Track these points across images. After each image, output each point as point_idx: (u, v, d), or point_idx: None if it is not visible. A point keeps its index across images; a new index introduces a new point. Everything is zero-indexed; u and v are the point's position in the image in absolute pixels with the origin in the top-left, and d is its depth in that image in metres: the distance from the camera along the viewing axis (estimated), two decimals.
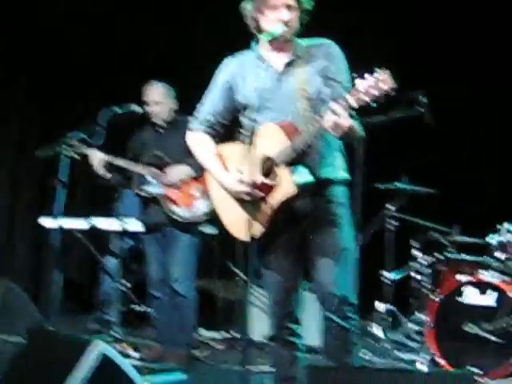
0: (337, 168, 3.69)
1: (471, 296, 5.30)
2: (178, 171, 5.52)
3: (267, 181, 3.56)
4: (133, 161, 5.66)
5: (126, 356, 5.62)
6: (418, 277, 6.04)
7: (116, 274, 6.50)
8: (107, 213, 7.06)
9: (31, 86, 7.79)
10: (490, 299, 5.22)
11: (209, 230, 5.82)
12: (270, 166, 3.56)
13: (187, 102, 4.61)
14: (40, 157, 5.27)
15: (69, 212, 5.73)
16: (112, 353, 3.43)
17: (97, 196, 7.53)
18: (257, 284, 5.00)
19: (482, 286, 5.27)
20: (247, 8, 3.67)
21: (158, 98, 5.65)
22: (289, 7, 3.58)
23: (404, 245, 6.14)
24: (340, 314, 3.60)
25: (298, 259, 3.69)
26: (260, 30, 3.66)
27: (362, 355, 5.65)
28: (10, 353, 3.76)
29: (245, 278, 6.12)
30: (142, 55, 7.68)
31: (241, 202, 3.65)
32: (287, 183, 3.52)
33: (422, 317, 5.76)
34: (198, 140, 3.88)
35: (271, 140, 3.54)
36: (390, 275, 6.13)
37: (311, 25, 3.67)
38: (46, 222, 6.41)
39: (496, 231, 5.55)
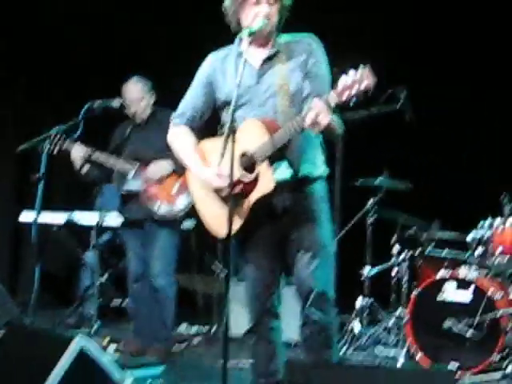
0: (317, 164, 3.70)
1: (449, 291, 5.31)
2: (159, 167, 5.50)
3: (246, 176, 3.56)
4: (114, 154, 5.64)
5: (105, 350, 5.61)
6: (398, 272, 6.06)
7: (95, 268, 6.49)
8: (87, 207, 7.04)
9: (31, 86, 7.75)
10: (468, 295, 5.25)
11: (187, 224, 5.82)
12: (250, 161, 3.56)
13: None
14: (22, 151, 5.23)
15: (48, 206, 5.70)
16: (90, 347, 3.43)
17: (77, 190, 7.50)
18: (237, 279, 4.99)
19: (461, 282, 5.30)
20: (228, 5, 3.67)
21: (138, 94, 5.62)
22: (269, 1, 3.59)
23: (384, 240, 6.16)
24: (319, 309, 3.61)
25: (278, 255, 3.70)
26: (241, 26, 3.66)
27: (341, 350, 5.68)
28: None
29: (224, 272, 6.13)
30: (142, 55, 7.66)
31: (220, 197, 3.65)
32: (266, 179, 3.52)
33: (402, 312, 5.78)
34: (177, 135, 3.87)
35: (252, 135, 3.53)
36: (369, 270, 6.15)
37: (298, 24, 3.68)
38: (25, 216, 6.39)
39: (479, 227, 5.58)
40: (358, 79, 3.25)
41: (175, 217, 5.49)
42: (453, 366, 5.07)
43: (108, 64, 7.66)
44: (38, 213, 4.90)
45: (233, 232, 3.35)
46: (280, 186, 3.52)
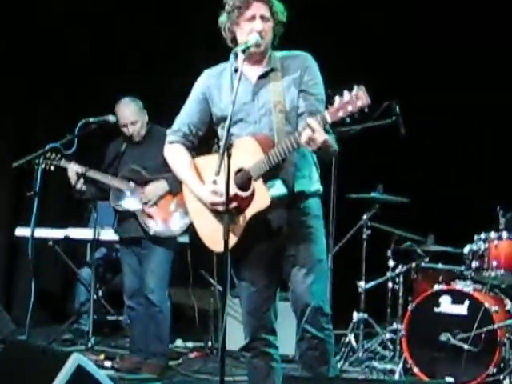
0: (312, 180, 3.71)
1: (445, 305, 5.33)
2: (155, 189, 5.51)
3: (241, 193, 3.57)
4: (108, 170, 5.64)
5: (101, 366, 5.59)
6: (393, 286, 6.06)
7: (91, 284, 6.48)
8: (82, 223, 7.05)
9: (31, 86, 7.75)
10: (463, 308, 5.26)
11: (183, 238, 5.82)
12: (246, 178, 3.57)
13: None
14: (17, 167, 5.24)
15: (43, 223, 5.70)
16: (87, 363, 3.43)
17: (72, 206, 7.50)
18: (232, 294, 4.99)
19: (456, 295, 5.31)
20: (224, 21, 3.69)
21: (133, 118, 5.60)
22: (263, 18, 3.61)
23: (379, 254, 6.17)
24: (316, 324, 3.61)
25: (274, 271, 3.70)
26: (236, 43, 3.68)
27: (337, 365, 5.68)
28: None
29: (220, 287, 6.14)
30: (142, 55, 7.67)
31: (216, 213, 3.66)
32: (261, 196, 3.52)
33: (397, 326, 5.79)
34: (173, 152, 3.87)
35: (247, 152, 3.54)
36: (364, 285, 6.15)
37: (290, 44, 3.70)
38: (21, 232, 6.38)
39: (475, 241, 5.59)
40: (353, 99, 3.27)
41: (174, 235, 5.52)
42: (450, 379, 5.07)
43: (108, 64, 7.67)
44: (33, 228, 4.91)
45: (230, 248, 3.36)
46: (276, 202, 3.52)
